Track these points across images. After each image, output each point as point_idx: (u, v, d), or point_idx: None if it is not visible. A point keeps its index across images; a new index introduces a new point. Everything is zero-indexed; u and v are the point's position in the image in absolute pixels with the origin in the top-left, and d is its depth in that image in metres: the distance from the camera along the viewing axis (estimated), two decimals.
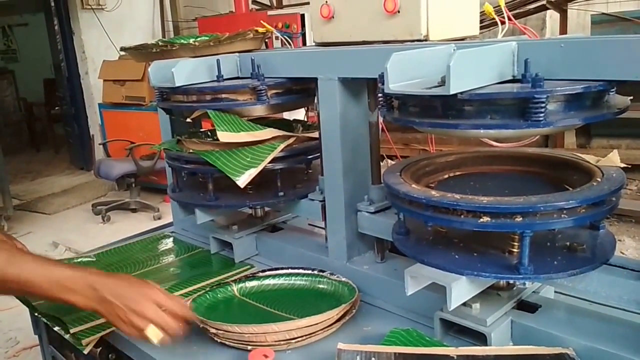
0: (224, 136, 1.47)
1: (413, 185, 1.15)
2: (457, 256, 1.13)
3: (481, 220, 1.01)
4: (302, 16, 4.47)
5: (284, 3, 6.89)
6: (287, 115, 3.13)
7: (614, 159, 1.18)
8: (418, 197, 1.08)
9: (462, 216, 1.03)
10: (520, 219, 0.99)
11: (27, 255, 1.21)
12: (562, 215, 1.00)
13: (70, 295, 1.14)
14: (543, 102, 0.92)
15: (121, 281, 1.19)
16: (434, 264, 1.12)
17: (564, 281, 1.12)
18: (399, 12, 1.37)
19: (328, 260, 1.56)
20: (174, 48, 1.62)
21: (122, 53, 1.83)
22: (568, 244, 1.13)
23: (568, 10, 5.37)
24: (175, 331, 1.15)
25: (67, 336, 1.38)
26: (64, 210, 6.01)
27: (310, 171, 1.76)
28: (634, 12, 5.22)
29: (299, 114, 2.41)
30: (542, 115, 0.92)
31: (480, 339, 1.15)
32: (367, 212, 1.45)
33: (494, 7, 1.31)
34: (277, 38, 1.95)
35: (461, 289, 1.10)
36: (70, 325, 1.38)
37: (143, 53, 1.69)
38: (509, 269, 1.07)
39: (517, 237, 1.09)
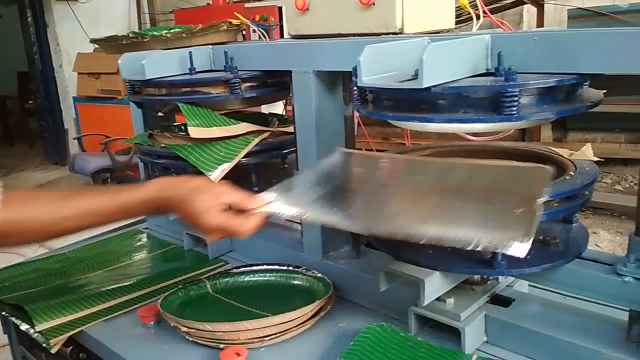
0: (195, 132, 1.44)
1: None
2: (430, 251, 1.12)
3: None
4: (280, 8, 4.43)
5: None
6: (265, 108, 3.10)
7: (587, 152, 1.18)
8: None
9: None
10: None
11: (77, 191, 1.19)
12: None
13: (137, 216, 1.17)
14: (516, 96, 0.91)
15: (179, 197, 1.10)
16: (407, 259, 1.11)
17: (537, 275, 1.12)
18: (374, 4, 1.35)
19: (304, 255, 1.54)
20: (144, 40, 1.59)
21: (97, 45, 1.78)
22: (541, 237, 1.13)
23: (545, 4, 5.41)
24: (250, 230, 1.10)
25: (34, 335, 1.34)
26: None
27: (286, 166, 1.74)
28: (609, 6, 5.28)
29: (278, 108, 2.39)
30: (515, 108, 0.92)
31: (455, 333, 1.14)
32: None
33: (470, 1, 1.30)
34: (254, 31, 1.92)
35: (434, 284, 1.10)
36: (37, 322, 1.34)
37: (113, 45, 1.65)
38: (482, 263, 1.06)
39: None
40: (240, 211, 1.10)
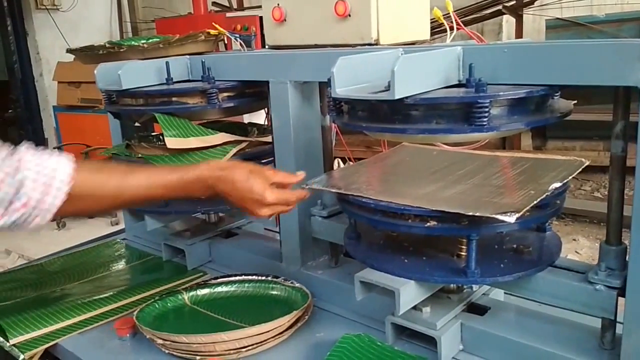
0: (172, 142, 1.44)
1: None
2: (406, 260, 1.13)
3: (428, 224, 1.02)
4: (261, 18, 4.43)
5: (245, 5, 6.85)
6: (247, 118, 3.10)
7: None
8: (367, 202, 1.08)
9: (410, 220, 1.03)
10: (467, 222, 1.00)
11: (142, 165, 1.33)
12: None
13: (191, 194, 1.18)
14: (486, 107, 0.92)
15: (238, 178, 1.15)
16: (383, 268, 1.12)
17: (511, 283, 1.13)
18: (349, 16, 1.36)
19: (282, 266, 1.54)
20: (121, 50, 1.58)
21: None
22: (515, 246, 1.14)
23: (524, 15, 5.49)
24: (296, 202, 1.20)
25: (8, 348, 1.32)
26: None
27: None
28: (587, 17, 5.37)
29: (260, 117, 2.39)
30: (485, 119, 0.93)
31: (432, 342, 1.15)
32: (320, 216, 1.44)
33: (444, 14, 1.32)
34: (235, 41, 1.92)
35: (410, 293, 1.10)
36: (11, 335, 1.32)
37: (90, 55, 1.64)
38: (456, 272, 1.08)
39: (465, 240, 1.10)
40: (283, 187, 1.20)
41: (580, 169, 1.14)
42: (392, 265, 1.11)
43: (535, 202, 0.96)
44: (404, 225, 1.05)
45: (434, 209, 0.99)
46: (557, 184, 1.03)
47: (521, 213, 0.92)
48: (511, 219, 0.91)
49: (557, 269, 1.11)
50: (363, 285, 1.16)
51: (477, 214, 0.94)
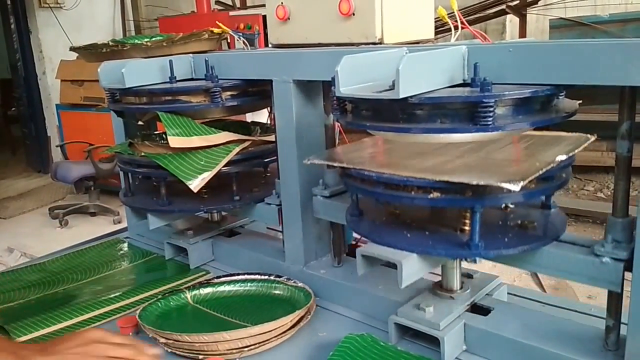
0: (175, 141, 1.44)
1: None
2: (409, 235, 1.12)
3: (431, 195, 1.01)
4: (265, 17, 4.44)
5: (248, 4, 6.85)
6: (249, 116, 3.09)
7: None
8: (369, 174, 1.07)
9: (413, 192, 1.02)
10: (471, 194, 0.98)
11: None
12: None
13: None
14: (491, 106, 0.92)
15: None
16: (385, 242, 1.10)
17: (516, 258, 1.10)
18: (354, 14, 1.36)
19: (285, 265, 1.54)
20: (125, 48, 1.58)
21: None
22: (519, 222, 1.12)
23: (527, 15, 5.48)
24: None
25: None
26: (20, 214, 5.84)
27: (268, 174, 1.74)
28: (591, 17, 5.37)
29: (262, 116, 2.39)
30: (490, 119, 0.92)
31: (435, 342, 1.15)
32: (322, 196, 1.42)
33: (449, 13, 1.31)
34: (238, 39, 1.92)
35: (412, 266, 1.08)
36: (15, 335, 1.32)
37: (93, 53, 1.64)
38: (460, 246, 1.06)
39: (468, 214, 1.09)
40: None
41: (586, 144, 1.13)
42: (394, 239, 1.10)
43: (541, 172, 0.95)
44: (407, 197, 1.03)
45: (437, 179, 0.98)
46: (563, 156, 1.02)
47: (526, 181, 0.91)
48: (516, 187, 0.90)
49: (563, 243, 1.08)
50: (365, 260, 1.14)
51: (482, 182, 0.93)
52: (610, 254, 0.99)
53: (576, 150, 1.09)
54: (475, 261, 1.08)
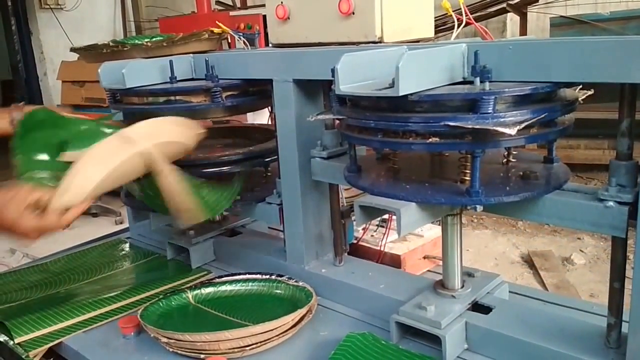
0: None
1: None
2: (408, 186, 1.11)
3: (430, 140, 0.99)
4: (265, 17, 4.43)
5: (248, 4, 6.84)
6: (250, 117, 3.09)
7: None
8: (366, 123, 1.05)
9: (412, 139, 1.00)
10: (470, 138, 0.97)
11: None
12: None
13: None
14: (491, 104, 0.92)
15: None
16: (384, 193, 1.08)
17: (517, 207, 1.06)
18: (353, 13, 1.36)
19: (286, 264, 1.54)
20: (125, 49, 1.58)
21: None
22: (522, 173, 1.10)
23: (528, 13, 5.47)
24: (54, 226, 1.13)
25: (13, 347, 1.32)
26: None
27: (269, 174, 1.74)
28: (591, 14, 5.35)
29: (263, 116, 2.38)
30: (490, 111, 0.92)
31: (436, 341, 1.15)
32: (320, 157, 1.40)
33: (454, 9, 1.30)
34: (239, 40, 1.92)
35: (411, 216, 1.06)
36: (16, 334, 1.33)
37: (93, 54, 1.64)
38: (460, 194, 1.04)
39: (468, 165, 1.07)
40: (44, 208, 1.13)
41: None
42: (393, 190, 1.08)
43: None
44: (405, 143, 1.01)
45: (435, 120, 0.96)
46: None
47: (522, 126, 0.91)
48: (512, 131, 0.89)
49: (565, 191, 1.06)
50: (363, 210, 1.11)
51: (477, 126, 0.92)
52: (615, 197, 0.96)
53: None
54: (475, 209, 1.04)
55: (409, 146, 1.02)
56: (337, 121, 1.40)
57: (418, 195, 1.06)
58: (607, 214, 0.97)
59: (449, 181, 1.13)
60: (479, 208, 1.05)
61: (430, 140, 0.99)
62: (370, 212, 1.11)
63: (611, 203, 0.97)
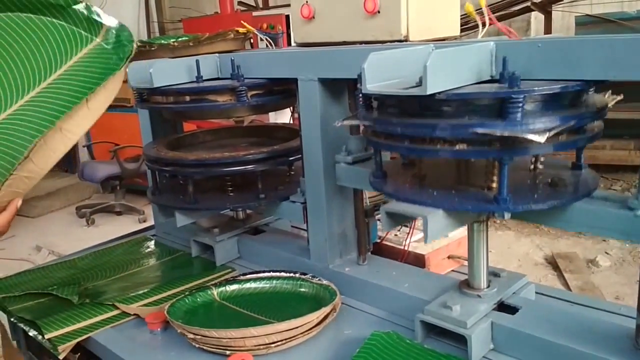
0: None
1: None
2: (435, 193, 1.10)
3: (457, 147, 0.98)
4: (287, 17, 4.46)
5: (271, 4, 6.88)
6: (272, 116, 3.10)
7: None
8: (393, 130, 1.05)
9: (439, 145, 1.00)
10: (498, 145, 0.96)
11: None
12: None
13: None
14: (520, 102, 0.91)
15: None
16: (411, 199, 1.08)
17: (546, 215, 1.05)
18: (379, 12, 1.36)
19: (310, 262, 1.54)
20: (152, 48, 1.60)
21: None
22: (549, 180, 1.09)
23: (552, 11, 5.40)
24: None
25: (42, 341, 1.35)
26: (47, 213, 5.95)
27: (292, 172, 1.75)
28: (616, 13, 5.27)
29: (285, 116, 2.39)
30: (519, 115, 0.91)
31: (462, 341, 1.14)
32: (345, 162, 1.40)
33: (476, 9, 1.30)
34: (262, 39, 1.94)
35: (438, 222, 1.05)
36: (45, 330, 1.35)
37: None
38: (487, 201, 1.04)
39: (496, 172, 1.06)
40: None
41: None
42: (420, 197, 1.08)
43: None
44: (432, 150, 1.01)
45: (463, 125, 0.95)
46: None
47: (552, 133, 0.90)
48: (541, 138, 0.88)
49: (594, 199, 1.05)
50: (390, 217, 1.11)
51: (506, 133, 0.91)
52: None
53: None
54: (503, 216, 1.03)
55: (436, 153, 1.01)
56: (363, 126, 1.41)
57: (445, 202, 1.06)
58: (637, 223, 0.96)
59: (476, 187, 1.12)
60: (507, 215, 1.04)
61: (457, 147, 0.98)
62: (397, 219, 1.11)
63: None
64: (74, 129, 1.18)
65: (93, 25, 1.29)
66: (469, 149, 0.98)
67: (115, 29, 1.31)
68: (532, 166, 1.18)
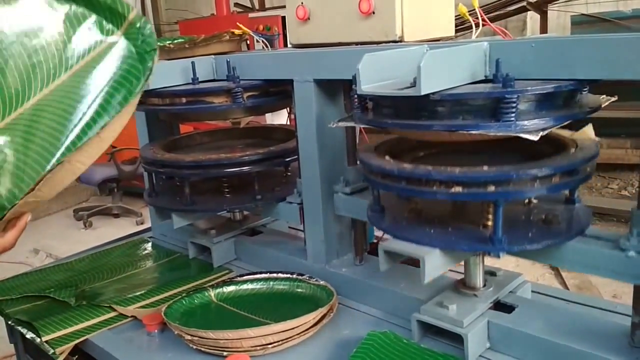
0: None
1: (386, 158, 1.13)
2: (431, 231, 1.12)
3: (453, 190, 1.00)
4: (283, 18, 4.47)
5: (267, 6, 6.88)
6: (269, 117, 3.10)
7: (588, 132, 1.15)
8: (390, 169, 1.07)
9: (435, 187, 1.01)
10: (493, 188, 0.98)
11: None
12: (536, 184, 0.98)
13: None
14: (514, 102, 0.92)
15: None
16: (408, 238, 1.10)
17: (540, 253, 1.07)
18: (373, 13, 1.36)
19: (307, 263, 1.55)
20: None
21: None
22: (543, 217, 1.11)
23: (548, 11, 5.41)
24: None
25: (40, 344, 1.35)
26: (45, 216, 5.93)
27: (289, 174, 1.75)
28: (612, 12, 5.28)
29: (282, 117, 2.39)
30: (513, 115, 0.92)
31: (458, 340, 1.14)
32: (343, 193, 1.42)
33: (469, 10, 1.31)
34: (258, 41, 1.95)
35: (435, 261, 1.07)
36: (43, 333, 1.35)
37: None
38: (483, 241, 1.06)
39: (491, 210, 1.08)
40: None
41: None
42: (417, 235, 1.10)
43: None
44: (429, 192, 1.02)
45: (458, 171, 0.97)
46: None
47: (546, 132, 0.92)
48: (535, 137, 0.90)
49: (587, 237, 1.07)
50: (387, 256, 1.13)
51: (500, 133, 0.93)
52: (636, 247, 0.97)
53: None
54: (498, 256, 1.07)
55: (433, 195, 1.03)
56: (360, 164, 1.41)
57: (442, 241, 1.08)
58: (628, 264, 0.98)
59: (471, 224, 1.14)
60: (502, 254, 1.07)
61: (453, 189, 1.00)
62: (395, 257, 1.14)
63: (632, 253, 0.97)
64: (84, 159, 1.03)
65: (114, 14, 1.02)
66: (465, 192, 1.00)
67: (139, 22, 1.03)
68: (526, 200, 1.19)
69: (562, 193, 1.19)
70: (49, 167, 0.97)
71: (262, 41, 1.87)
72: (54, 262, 1.97)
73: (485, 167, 0.99)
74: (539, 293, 1.39)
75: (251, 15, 5.38)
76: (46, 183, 0.99)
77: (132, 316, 1.43)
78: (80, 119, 0.99)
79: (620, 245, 0.99)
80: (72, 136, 0.98)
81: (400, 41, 1.35)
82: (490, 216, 1.10)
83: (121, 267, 1.78)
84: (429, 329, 1.22)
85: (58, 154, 0.98)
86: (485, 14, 1.32)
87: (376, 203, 1.23)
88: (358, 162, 1.28)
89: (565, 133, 1.20)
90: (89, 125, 0.99)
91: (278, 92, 1.59)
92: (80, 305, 1.49)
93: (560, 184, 1.02)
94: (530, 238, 1.05)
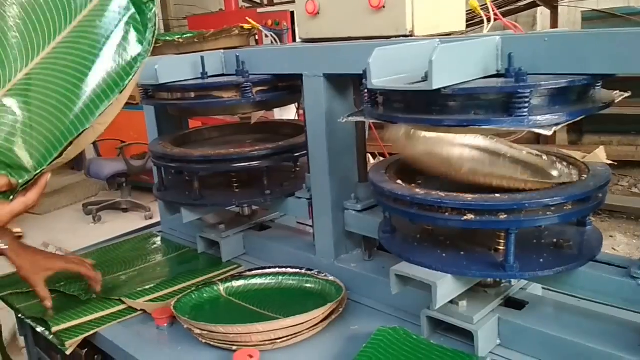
0: None
1: (398, 182, 1.14)
2: (443, 254, 1.12)
3: (466, 217, 1.00)
4: (292, 13, 4.47)
5: (275, 1, 6.87)
6: (277, 112, 3.11)
7: (600, 155, 1.17)
8: (402, 194, 1.07)
9: (447, 214, 1.02)
10: (505, 216, 0.98)
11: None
12: (548, 212, 0.99)
13: None
14: (527, 97, 0.91)
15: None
16: (419, 262, 1.11)
17: (551, 278, 1.11)
18: (384, 7, 1.35)
19: (316, 258, 1.55)
20: (157, 45, 1.60)
21: None
22: (555, 241, 1.12)
23: (559, 6, 5.38)
24: None
25: (50, 337, 1.36)
26: (54, 210, 5.98)
27: (298, 169, 1.75)
28: (623, 8, 5.24)
29: (290, 112, 2.39)
30: (526, 110, 0.91)
31: (468, 336, 1.14)
32: (354, 210, 1.44)
33: (481, 5, 1.30)
34: (266, 35, 1.94)
35: (447, 287, 1.09)
36: (52, 324, 1.36)
37: None
38: (494, 267, 1.06)
39: (503, 234, 1.08)
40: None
41: None
42: (428, 259, 1.10)
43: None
44: (441, 218, 1.03)
45: (471, 198, 0.98)
46: None
47: (559, 127, 0.92)
48: (548, 132, 0.90)
49: (598, 263, 1.08)
50: (399, 279, 1.15)
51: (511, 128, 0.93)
52: None
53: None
54: (510, 282, 1.09)
55: (445, 222, 1.03)
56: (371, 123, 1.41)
57: (454, 267, 1.08)
58: (639, 292, 0.99)
59: (483, 248, 1.14)
60: (514, 281, 1.09)
61: (466, 217, 1.00)
62: (406, 281, 1.15)
63: None
64: (104, 119, 1.10)
65: None
66: (477, 219, 0.99)
67: None
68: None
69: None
70: (76, 134, 1.04)
71: (271, 35, 1.86)
72: (67, 255, 1.97)
73: (497, 195, 1.00)
74: (549, 290, 1.38)
75: (260, 10, 5.37)
76: (73, 146, 1.04)
77: (141, 310, 1.44)
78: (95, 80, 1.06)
79: (631, 273, 1.00)
80: (86, 98, 1.06)
81: (411, 35, 1.34)
82: (502, 241, 1.10)
83: (130, 261, 1.79)
84: (438, 325, 1.21)
85: (83, 119, 1.05)
86: (496, 9, 1.31)
87: (387, 224, 1.23)
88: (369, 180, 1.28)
89: (578, 155, 1.19)
90: (110, 87, 1.03)
91: (287, 87, 1.59)
92: (90, 298, 1.50)
93: (572, 212, 1.02)
94: (541, 264, 1.05)
